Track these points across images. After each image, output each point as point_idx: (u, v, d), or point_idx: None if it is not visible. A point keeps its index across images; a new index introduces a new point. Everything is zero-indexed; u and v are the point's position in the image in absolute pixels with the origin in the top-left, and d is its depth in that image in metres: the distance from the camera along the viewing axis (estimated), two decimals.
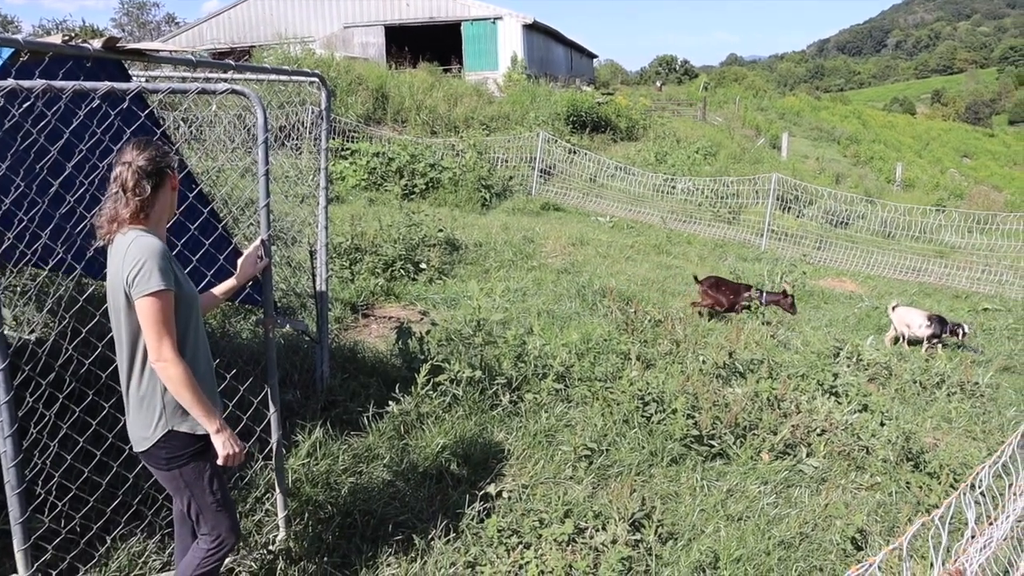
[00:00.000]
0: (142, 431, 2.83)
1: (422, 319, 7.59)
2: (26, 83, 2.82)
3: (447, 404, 5.26)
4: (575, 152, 18.83)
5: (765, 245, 15.13)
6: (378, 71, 23.62)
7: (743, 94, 45.44)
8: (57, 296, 4.80)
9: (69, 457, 3.39)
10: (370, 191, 14.97)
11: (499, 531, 4.01)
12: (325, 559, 3.79)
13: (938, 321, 9.13)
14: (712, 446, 5.20)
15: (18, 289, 5.40)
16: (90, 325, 3.58)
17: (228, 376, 3.85)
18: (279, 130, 12.94)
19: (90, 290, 3.88)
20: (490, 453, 4.90)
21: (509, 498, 4.45)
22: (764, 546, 4.21)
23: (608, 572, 3.79)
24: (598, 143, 23.52)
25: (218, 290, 3.37)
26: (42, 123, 3.10)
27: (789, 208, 17.28)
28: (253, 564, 3.70)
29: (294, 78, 4.82)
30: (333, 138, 16.37)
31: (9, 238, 3.23)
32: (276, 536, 3.84)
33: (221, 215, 5.07)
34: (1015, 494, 3.37)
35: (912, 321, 9.23)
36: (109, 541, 3.54)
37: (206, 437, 2.85)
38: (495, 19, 32.09)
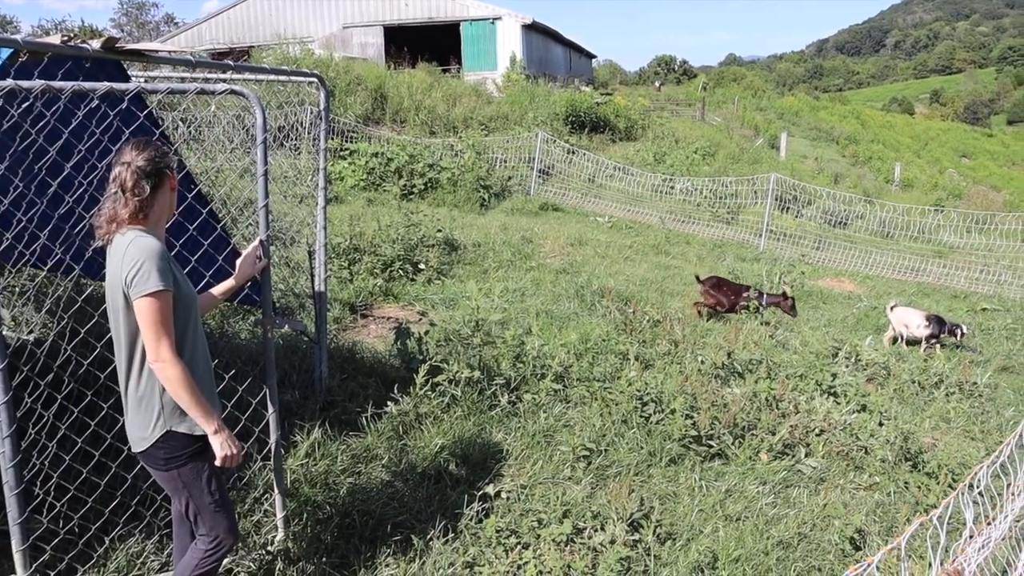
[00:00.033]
0: (140, 431, 2.83)
1: (421, 319, 7.59)
2: (25, 83, 2.82)
3: (446, 404, 5.27)
4: (574, 152, 18.83)
5: (764, 245, 15.14)
6: (377, 71, 23.62)
7: (742, 94, 45.45)
8: (56, 296, 4.80)
9: (68, 458, 3.39)
10: (369, 191, 14.97)
11: (497, 531, 4.02)
12: (324, 559, 3.79)
13: (936, 321, 9.14)
14: (711, 446, 5.20)
15: (17, 289, 5.40)
16: (89, 325, 3.58)
17: (227, 376, 3.86)
18: (278, 130, 12.93)
19: (89, 290, 3.87)
20: (489, 453, 4.90)
21: (508, 498, 4.45)
22: (763, 546, 4.21)
23: (606, 572, 3.79)
24: (597, 143, 23.52)
25: (217, 290, 3.37)
26: (41, 123, 3.10)
27: (788, 208, 17.29)
28: (252, 564, 3.70)
29: (293, 78, 4.82)
30: (332, 138, 16.37)
31: (8, 238, 3.23)
32: (275, 536, 3.84)
33: (220, 215, 5.07)
34: (1013, 494, 3.37)
35: (910, 321, 9.24)
36: (107, 542, 3.54)
37: (204, 438, 2.85)
38: (494, 19, 32.09)
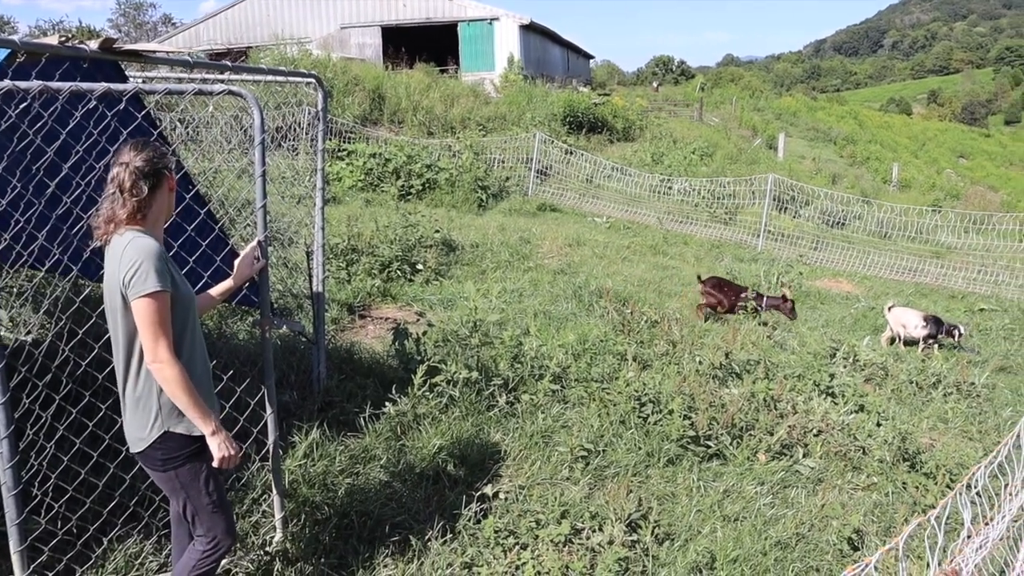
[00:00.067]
0: (138, 432, 2.83)
1: (419, 320, 7.59)
2: (23, 84, 2.81)
3: (444, 405, 5.27)
4: (572, 153, 18.84)
5: (761, 246, 15.16)
6: (375, 72, 23.63)
7: (740, 95, 45.52)
8: (54, 297, 4.79)
9: (66, 458, 3.39)
10: (367, 192, 14.97)
11: (496, 532, 4.02)
12: (322, 560, 3.79)
13: (934, 321, 9.15)
14: (708, 447, 5.20)
15: (14, 290, 5.39)
16: (87, 326, 3.58)
17: (225, 377, 3.85)
18: (276, 131, 12.91)
19: (87, 291, 3.86)
20: (487, 454, 4.90)
21: (506, 499, 4.45)
22: (760, 546, 4.21)
23: (604, 573, 3.79)
24: (595, 144, 23.53)
25: (215, 291, 3.37)
26: (39, 124, 3.10)
27: (785, 209, 17.30)
28: (250, 565, 3.70)
29: (291, 79, 4.81)
30: (330, 139, 16.36)
31: (5, 239, 3.23)
32: (273, 537, 3.84)
33: (218, 216, 5.06)
34: (1011, 494, 3.37)
35: (908, 321, 9.25)
36: (106, 542, 3.54)
37: (202, 438, 2.84)
38: (492, 20, 32.11)
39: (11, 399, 2.91)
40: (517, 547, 3.95)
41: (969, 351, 9.32)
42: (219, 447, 2.82)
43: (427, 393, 5.22)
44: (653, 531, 4.16)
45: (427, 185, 15.62)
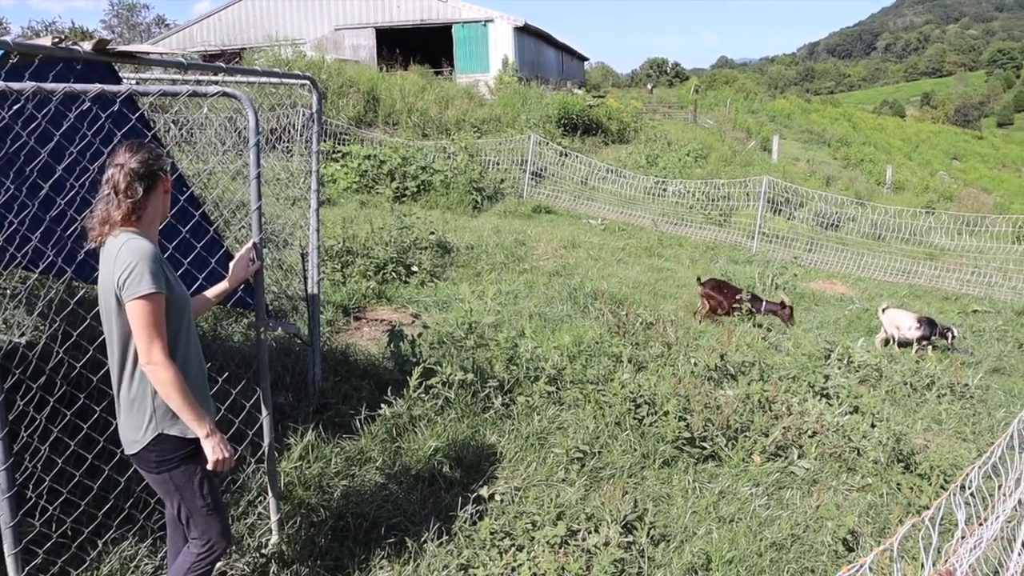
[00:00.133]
0: (132, 434, 2.82)
1: (414, 322, 7.58)
2: (16, 85, 2.80)
3: (439, 407, 5.26)
4: (566, 155, 18.84)
5: (756, 247, 15.19)
6: (369, 73, 23.61)
7: (734, 97, 45.60)
8: (48, 299, 4.78)
9: (60, 461, 3.38)
10: (361, 194, 14.95)
11: (492, 533, 4.02)
12: (318, 562, 3.79)
13: (928, 323, 9.19)
14: (704, 448, 5.21)
15: (8, 292, 5.37)
16: (81, 328, 3.56)
17: (220, 379, 3.84)
18: (270, 132, 12.89)
19: (81, 293, 3.86)
20: (482, 456, 4.90)
21: (502, 500, 4.45)
22: (756, 548, 4.22)
23: (600, 574, 3.80)
24: (589, 146, 23.55)
25: (210, 293, 3.36)
26: (32, 125, 3.09)
27: (780, 210, 17.35)
28: (246, 568, 3.69)
29: (285, 81, 4.81)
30: (324, 141, 16.35)
31: None
32: (269, 539, 3.84)
33: (212, 218, 5.05)
34: (1004, 495, 3.39)
35: (902, 323, 9.28)
36: (100, 545, 3.53)
37: (197, 441, 2.83)
38: (486, 21, 32.12)
39: (5, 401, 2.90)
40: (513, 549, 3.95)
41: (963, 353, 9.35)
42: (213, 450, 2.81)
43: (423, 395, 5.22)
44: (649, 532, 4.16)
45: (422, 187, 15.61)
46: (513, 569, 3.81)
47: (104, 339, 2.82)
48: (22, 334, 5.22)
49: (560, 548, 3.98)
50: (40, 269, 3.67)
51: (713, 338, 7.84)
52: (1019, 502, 3.35)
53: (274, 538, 3.82)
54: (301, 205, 9.34)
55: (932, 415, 6.69)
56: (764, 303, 9.30)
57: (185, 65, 3.85)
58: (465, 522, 4.17)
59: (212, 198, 6.42)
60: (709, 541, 4.26)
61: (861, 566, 2.19)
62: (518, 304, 8.58)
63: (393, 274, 8.90)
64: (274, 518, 3.82)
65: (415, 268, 9.23)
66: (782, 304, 9.33)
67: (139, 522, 3.68)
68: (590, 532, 4.12)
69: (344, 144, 17.03)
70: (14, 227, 3.27)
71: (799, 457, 5.26)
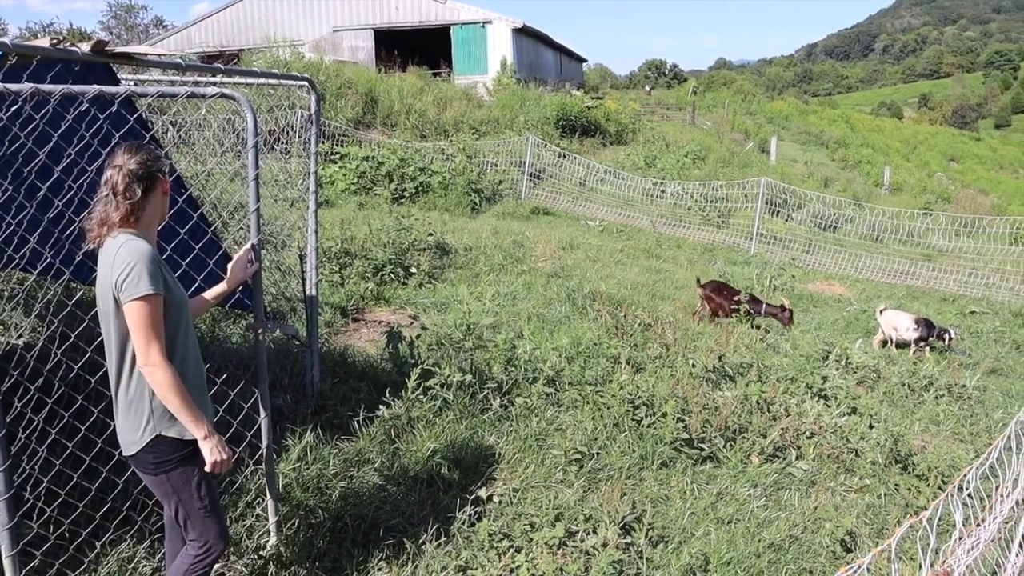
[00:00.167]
0: (130, 435, 2.82)
1: (412, 323, 7.58)
2: (14, 86, 2.80)
3: (438, 408, 5.26)
4: (565, 156, 18.85)
5: (754, 249, 15.20)
6: (367, 75, 23.60)
7: (732, 98, 45.67)
8: (45, 300, 4.77)
9: (58, 462, 3.37)
10: (360, 195, 14.95)
11: (490, 535, 4.02)
12: (316, 564, 3.78)
13: (925, 324, 9.20)
14: (702, 449, 5.21)
15: (6, 293, 5.37)
16: (79, 329, 3.56)
17: (218, 381, 3.84)
18: (268, 134, 12.89)
19: (79, 294, 3.86)
20: (481, 457, 4.90)
21: (500, 502, 4.45)
22: (754, 548, 4.22)
23: (599, 575, 3.80)
24: (588, 147, 23.57)
25: (208, 294, 3.36)
26: (30, 127, 3.09)
27: (778, 212, 17.36)
28: (244, 569, 3.69)
29: (283, 82, 4.81)
30: (322, 142, 16.35)
31: None
32: (267, 541, 3.83)
33: (211, 219, 5.05)
34: (1002, 495, 3.39)
35: (900, 324, 9.29)
36: (98, 547, 3.52)
37: (194, 442, 2.83)
38: (484, 23, 32.14)
39: (3, 402, 2.90)
40: (511, 550, 3.95)
41: (960, 354, 9.36)
42: (211, 451, 2.81)
43: (421, 396, 5.22)
44: (647, 534, 4.16)
45: (420, 188, 15.60)
46: (511, 570, 3.81)
47: (102, 340, 2.82)
48: (20, 335, 5.22)
49: (558, 549, 3.99)
50: (38, 270, 3.67)
51: (711, 339, 7.84)
52: (1016, 503, 3.36)
53: (272, 540, 3.82)
54: (299, 206, 9.34)
55: (930, 416, 6.70)
56: (764, 305, 9.29)
57: (183, 66, 3.84)
58: (463, 523, 4.17)
59: (210, 199, 6.42)
60: (707, 542, 4.27)
61: (859, 567, 2.19)
62: (516, 305, 8.58)
63: (391, 275, 8.90)
64: (272, 520, 3.82)
65: (413, 270, 9.23)
66: (782, 307, 9.33)
67: (137, 524, 3.68)
68: (588, 533, 4.12)
69: (342, 145, 17.02)
70: (12, 228, 3.27)
71: (797, 458, 5.27)
